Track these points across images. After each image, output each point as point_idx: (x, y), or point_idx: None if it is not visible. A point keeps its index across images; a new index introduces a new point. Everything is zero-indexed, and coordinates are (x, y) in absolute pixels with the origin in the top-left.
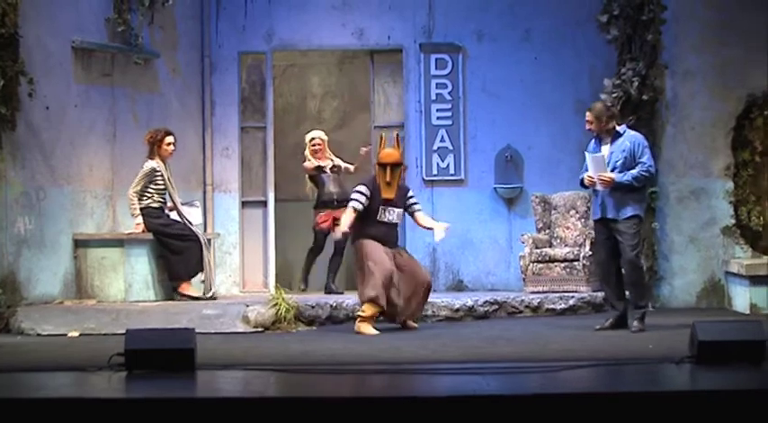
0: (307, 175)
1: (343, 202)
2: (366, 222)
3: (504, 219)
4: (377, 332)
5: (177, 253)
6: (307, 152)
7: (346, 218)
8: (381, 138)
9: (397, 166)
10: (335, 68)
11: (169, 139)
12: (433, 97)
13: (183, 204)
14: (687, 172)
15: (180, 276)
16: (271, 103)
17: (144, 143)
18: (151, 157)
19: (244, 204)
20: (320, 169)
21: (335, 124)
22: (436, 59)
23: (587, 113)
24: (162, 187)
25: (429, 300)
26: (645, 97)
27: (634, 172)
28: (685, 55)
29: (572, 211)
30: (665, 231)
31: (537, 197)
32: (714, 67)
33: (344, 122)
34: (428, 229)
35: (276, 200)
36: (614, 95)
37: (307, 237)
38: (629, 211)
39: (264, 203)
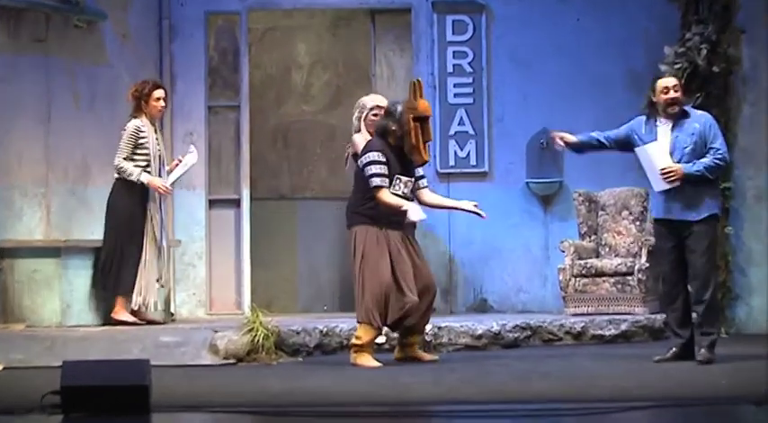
0: (351, 156)
1: None
2: (367, 197)
3: (539, 222)
4: (378, 364)
5: (128, 259)
6: (362, 124)
7: (394, 200)
8: (415, 83)
9: (429, 118)
10: (327, 33)
11: (158, 93)
12: (450, 69)
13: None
14: None
15: (126, 292)
16: (246, 76)
17: (127, 100)
18: (136, 115)
19: (211, 204)
20: None
21: (327, 102)
22: (453, 21)
23: (671, 79)
24: (147, 153)
25: (444, 324)
26: (715, 69)
27: (706, 160)
28: (767, 16)
29: (624, 213)
30: (741, 238)
31: (580, 195)
32: None
33: (338, 100)
34: (448, 208)
35: (252, 198)
36: (677, 67)
37: (290, 244)
38: (704, 211)
39: (237, 203)
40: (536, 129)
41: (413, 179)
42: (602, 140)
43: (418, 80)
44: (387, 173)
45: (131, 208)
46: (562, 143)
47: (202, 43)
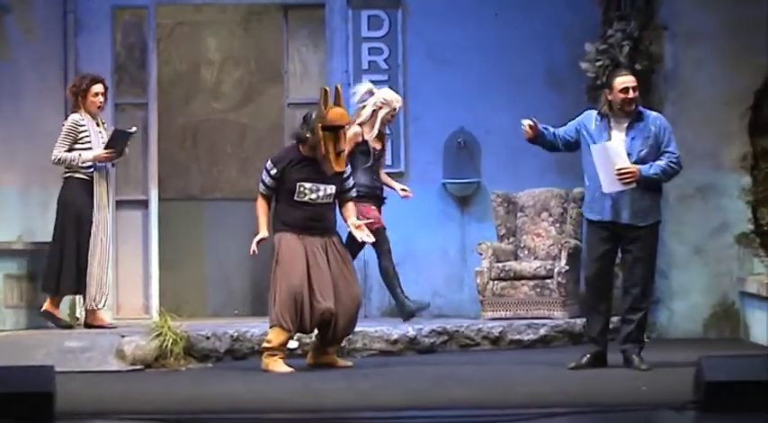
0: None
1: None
2: (287, 204)
3: (456, 223)
4: (290, 369)
5: (66, 256)
6: (376, 117)
7: (259, 214)
8: (326, 91)
9: (342, 128)
10: (238, 28)
11: (96, 87)
12: (365, 66)
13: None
14: (692, 163)
15: (60, 290)
16: (154, 72)
17: (68, 96)
18: (75, 110)
19: (118, 204)
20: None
21: (238, 100)
22: (369, 17)
23: (630, 79)
24: (88, 147)
25: (359, 329)
26: (637, 67)
27: (662, 163)
28: (689, 13)
29: (544, 214)
30: (663, 240)
31: (498, 196)
32: (726, 28)
33: (249, 98)
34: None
35: (160, 199)
36: (599, 64)
37: (200, 246)
38: (651, 217)
39: (145, 203)
40: (454, 128)
41: (329, 187)
42: (554, 137)
43: (337, 87)
44: (271, 183)
45: (81, 206)
46: (531, 132)
47: (109, 38)
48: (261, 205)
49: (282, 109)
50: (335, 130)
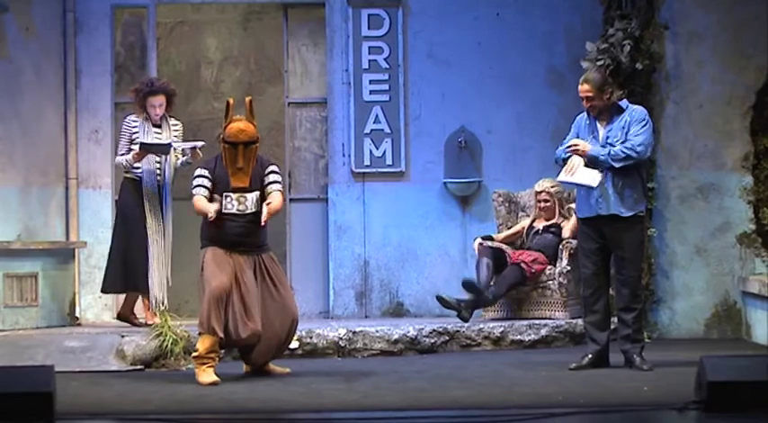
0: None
1: None
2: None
3: (457, 223)
4: (215, 379)
5: (117, 255)
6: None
7: (201, 204)
8: (229, 103)
9: (250, 143)
10: (238, 27)
11: (156, 100)
12: (366, 65)
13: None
14: (693, 163)
15: (107, 289)
16: (154, 72)
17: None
18: (135, 111)
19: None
20: None
21: (238, 100)
22: (369, 16)
23: (584, 85)
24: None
25: (359, 328)
26: (639, 66)
27: (616, 148)
28: (691, 12)
29: None
30: (665, 240)
31: (500, 195)
32: (728, 28)
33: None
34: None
35: None
36: (599, 63)
37: (197, 246)
38: (631, 208)
39: None
40: (454, 127)
41: (255, 193)
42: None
43: (229, 100)
44: (206, 184)
45: (130, 206)
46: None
47: (108, 37)
48: (198, 200)
49: (283, 108)
50: (235, 146)
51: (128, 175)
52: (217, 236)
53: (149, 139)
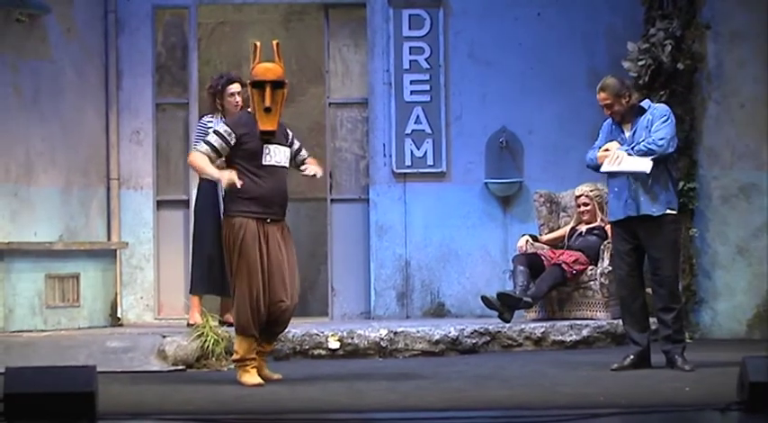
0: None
1: None
2: (241, 177)
3: (498, 223)
4: (259, 381)
5: (199, 257)
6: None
7: (199, 162)
8: (255, 45)
9: (278, 85)
10: (280, 27)
11: (233, 87)
12: (406, 66)
13: None
14: (735, 163)
15: (198, 291)
16: (195, 72)
17: (206, 97)
18: (211, 111)
19: (159, 205)
20: None
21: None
22: (410, 16)
23: (601, 93)
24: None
25: (400, 329)
26: (680, 66)
27: (641, 144)
28: (732, 11)
29: None
30: (706, 240)
31: (541, 196)
32: None
33: (291, 97)
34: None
35: None
36: (641, 63)
37: None
38: (663, 206)
39: (186, 203)
40: (495, 127)
41: (287, 148)
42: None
43: (256, 43)
44: (214, 141)
45: (205, 207)
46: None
47: (150, 38)
48: (195, 157)
49: (324, 108)
50: (261, 86)
51: (202, 175)
52: (254, 198)
53: None
